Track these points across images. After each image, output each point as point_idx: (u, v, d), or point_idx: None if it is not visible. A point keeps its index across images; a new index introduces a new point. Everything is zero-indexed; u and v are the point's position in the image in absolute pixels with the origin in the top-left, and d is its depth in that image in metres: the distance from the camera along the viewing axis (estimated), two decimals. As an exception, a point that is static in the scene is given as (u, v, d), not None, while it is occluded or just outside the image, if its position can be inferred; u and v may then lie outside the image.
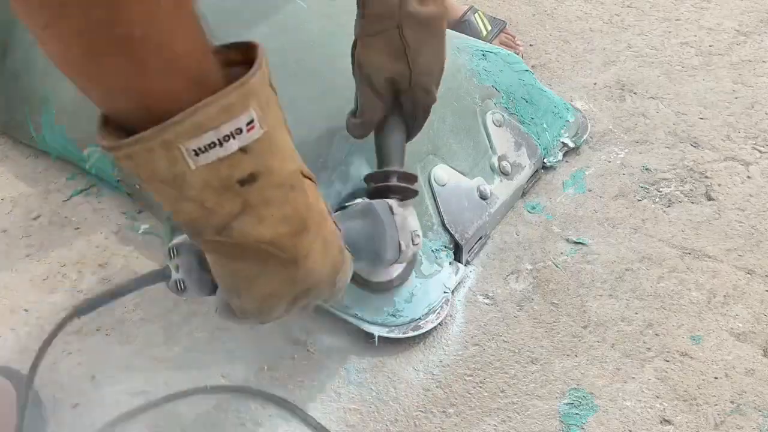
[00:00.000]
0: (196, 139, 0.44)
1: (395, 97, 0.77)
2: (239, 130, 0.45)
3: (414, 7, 0.71)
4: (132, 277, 0.68)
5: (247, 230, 0.49)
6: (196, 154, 0.44)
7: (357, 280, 0.83)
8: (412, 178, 0.79)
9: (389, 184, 0.77)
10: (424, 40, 0.73)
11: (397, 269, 0.84)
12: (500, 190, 0.97)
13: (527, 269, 0.93)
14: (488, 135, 0.98)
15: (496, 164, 0.97)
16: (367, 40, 0.73)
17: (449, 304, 0.88)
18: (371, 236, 0.73)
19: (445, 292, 0.88)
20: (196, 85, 0.44)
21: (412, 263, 0.85)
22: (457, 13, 1.25)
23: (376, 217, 0.73)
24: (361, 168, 0.85)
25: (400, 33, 0.71)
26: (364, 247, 0.72)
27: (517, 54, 1.20)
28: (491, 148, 0.97)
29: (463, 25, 1.24)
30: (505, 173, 0.97)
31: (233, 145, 0.45)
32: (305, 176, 0.54)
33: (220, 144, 0.44)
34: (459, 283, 0.91)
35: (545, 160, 1.04)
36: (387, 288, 0.84)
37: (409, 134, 0.81)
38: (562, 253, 0.94)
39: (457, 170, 0.93)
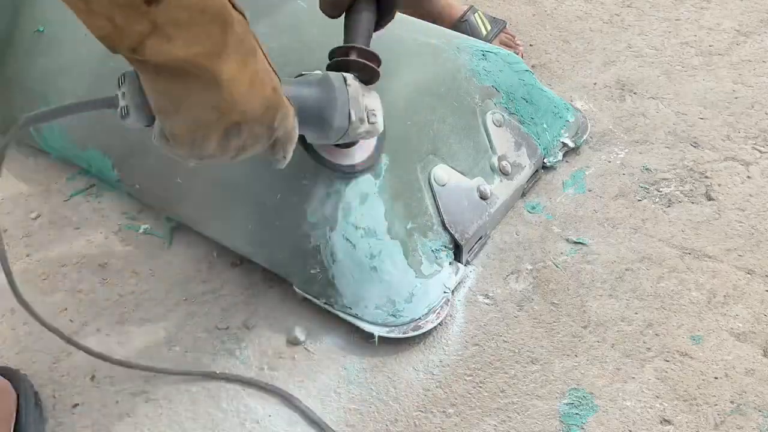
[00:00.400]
0: None
1: None
2: None
3: None
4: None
5: (158, 48, 0.52)
6: None
7: (322, 161, 0.84)
8: (373, 57, 0.79)
9: (348, 59, 0.78)
10: None
11: (358, 154, 0.85)
12: (500, 190, 0.97)
13: (527, 269, 0.93)
14: (488, 135, 0.98)
15: (496, 164, 0.97)
16: None
17: (449, 304, 0.88)
18: (322, 103, 0.74)
19: (445, 292, 0.88)
20: None
21: (374, 157, 0.86)
22: (457, 13, 1.25)
23: (330, 85, 0.74)
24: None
25: None
26: (315, 113, 0.73)
27: (517, 54, 1.20)
28: (491, 148, 0.97)
29: (463, 25, 1.23)
30: (505, 173, 0.97)
31: None
32: (236, 9, 0.56)
33: None
34: (459, 283, 0.91)
35: (545, 160, 1.04)
36: (350, 171, 0.85)
37: (383, 14, 0.80)
38: (562, 253, 0.95)
39: (457, 170, 0.93)
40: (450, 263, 0.90)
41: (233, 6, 0.56)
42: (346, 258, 0.84)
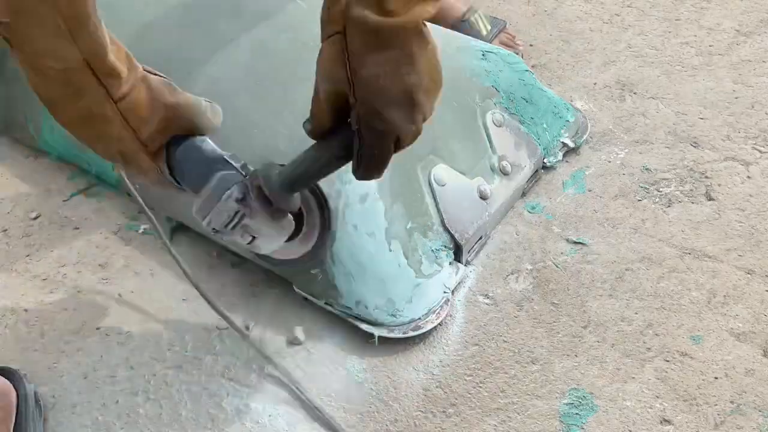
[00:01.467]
0: None
1: (345, 110, 0.65)
2: None
3: (359, 12, 0.59)
4: None
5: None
6: None
7: (260, 255, 0.84)
8: (280, 198, 0.71)
9: (255, 181, 0.71)
10: (373, 51, 0.61)
11: (293, 251, 0.85)
12: (500, 190, 0.97)
13: (527, 269, 0.93)
14: (488, 135, 0.98)
15: (496, 164, 0.97)
16: (323, 44, 0.65)
17: (449, 304, 0.88)
18: (201, 185, 0.72)
19: (445, 292, 0.88)
20: None
21: (318, 252, 0.84)
22: (457, 13, 1.25)
23: (217, 183, 0.71)
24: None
25: (343, 38, 0.61)
26: (194, 183, 0.73)
27: (517, 54, 1.20)
28: (491, 148, 0.97)
29: (463, 25, 1.23)
30: (505, 173, 0.97)
31: None
32: (99, 75, 0.67)
33: None
34: (459, 283, 0.91)
35: (545, 160, 1.04)
36: (284, 264, 0.86)
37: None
38: (562, 253, 0.94)
39: (457, 170, 0.93)
40: (450, 263, 0.90)
41: (90, 69, 0.66)
42: (346, 258, 0.84)
